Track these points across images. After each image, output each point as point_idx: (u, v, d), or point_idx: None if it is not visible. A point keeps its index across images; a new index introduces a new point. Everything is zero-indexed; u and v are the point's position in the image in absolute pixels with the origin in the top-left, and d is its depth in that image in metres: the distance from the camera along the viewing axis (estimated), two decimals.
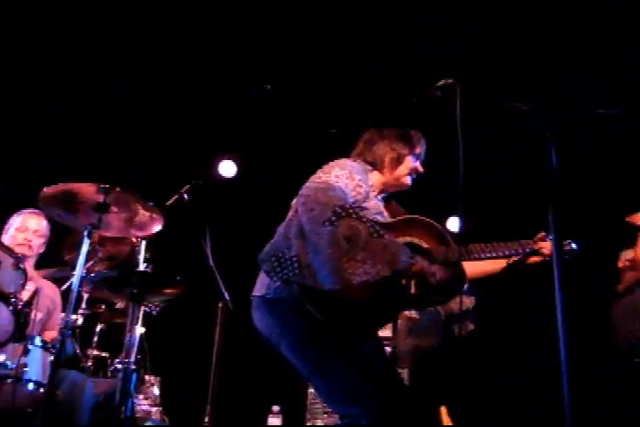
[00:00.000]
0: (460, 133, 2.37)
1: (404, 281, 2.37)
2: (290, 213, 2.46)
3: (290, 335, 2.35)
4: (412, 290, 2.38)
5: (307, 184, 2.44)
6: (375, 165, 2.66)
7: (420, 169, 2.74)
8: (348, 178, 2.46)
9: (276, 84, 5.03)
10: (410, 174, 2.71)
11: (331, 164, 2.54)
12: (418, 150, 2.72)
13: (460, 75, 2.40)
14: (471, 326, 2.72)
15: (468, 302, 2.83)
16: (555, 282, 2.00)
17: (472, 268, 2.72)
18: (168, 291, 3.68)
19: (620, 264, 4.46)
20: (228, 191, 5.63)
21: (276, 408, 4.27)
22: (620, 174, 5.07)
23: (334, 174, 2.44)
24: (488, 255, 2.59)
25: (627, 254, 4.51)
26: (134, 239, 3.84)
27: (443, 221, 5.61)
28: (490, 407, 5.33)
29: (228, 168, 5.62)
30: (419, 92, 2.70)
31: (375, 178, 2.65)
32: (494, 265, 2.82)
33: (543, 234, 2.76)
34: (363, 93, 4.60)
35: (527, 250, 2.69)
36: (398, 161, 2.67)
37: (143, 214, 3.21)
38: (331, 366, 2.31)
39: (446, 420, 4.58)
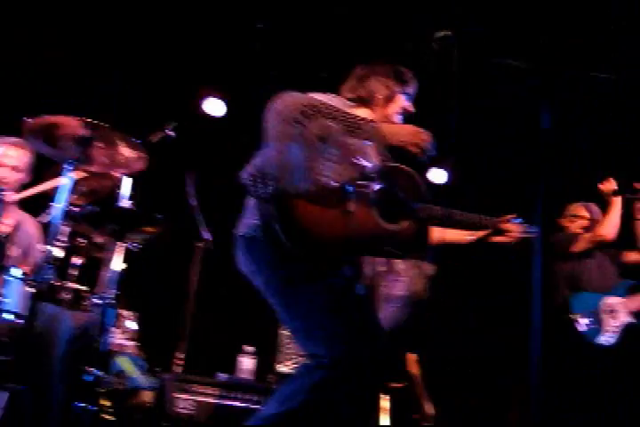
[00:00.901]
0: (455, 85, 2.35)
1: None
2: None
3: (265, 274, 2.37)
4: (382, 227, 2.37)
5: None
6: (367, 102, 2.63)
7: (411, 109, 2.71)
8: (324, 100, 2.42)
9: (269, 22, 4.91)
10: (400, 113, 2.68)
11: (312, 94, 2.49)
12: (410, 89, 2.69)
13: (459, 28, 2.36)
14: (426, 294, 2.75)
15: (429, 269, 2.85)
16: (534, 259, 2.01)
17: (435, 234, 2.70)
18: (148, 229, 3.67)
19: (567, 222, 4.45)
20: (216, 130, 5.56)
21: (248, 348, 4.34)
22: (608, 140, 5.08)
23: (308, 94, 2.42)
24: (459, 219, 2.61)
25: (572, 210, 4.49)
26: (118, 175, 3.81)
27: (425, 171, 5.64)
28: (457, 357, 5.48)
29: (216, 107, 5.54)
30: (415, 41, 2.66)
31: (365, 114, 2.60)
32: (457, 236, 2.79)
33: (512, 216, 2.77)
34: (356, 39, 4.52)
35: (493, 227, 2.71)
36: (390, 99, 2.63)
37: (128, 152, 3.18)
38: (300, 306, 2.32)
39: (415, 368, 4.71)
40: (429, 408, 4.81)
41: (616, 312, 4.07)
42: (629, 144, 5.15)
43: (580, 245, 4.25)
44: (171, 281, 5.02)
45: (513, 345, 4.43)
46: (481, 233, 2.74)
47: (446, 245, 2.77)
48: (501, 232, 2.73)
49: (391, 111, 2.65)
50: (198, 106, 5.44)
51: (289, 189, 2.22)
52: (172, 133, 4.33)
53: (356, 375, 2.24)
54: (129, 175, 3.56)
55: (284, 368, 4.24)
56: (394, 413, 4.35)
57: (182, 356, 4.15)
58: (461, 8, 4.04)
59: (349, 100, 2.64)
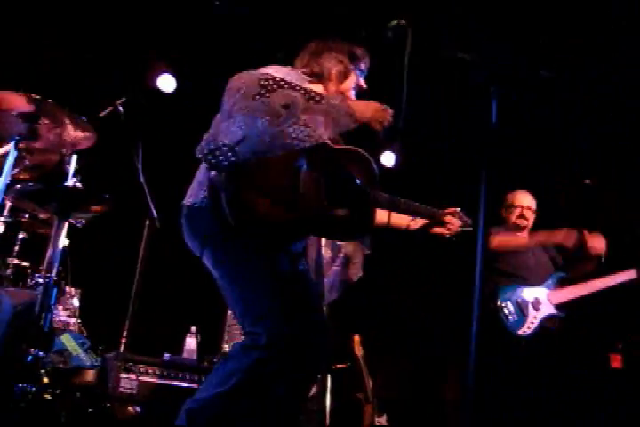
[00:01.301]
0: (405, 74, 2.37)
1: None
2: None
3: (208, 245, 2.36)
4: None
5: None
6: (321, 77, 2.61)
7: (364, 85, 2.71)
8: (281, 76, 2.40)
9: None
10: (354, 89, 2.68)
11: (265, 67, 2.49)
12: (363, 66, 2.69)
13: (413, 18, 2.37)
14: (360, 273, 2.82)
15: (363, 252, 2.90)
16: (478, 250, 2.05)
17: (379, 216, 2.71)
18: (95, 208, 3.62)
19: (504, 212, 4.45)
20: (166, 107, 5.48)
21: (193, 328, 4.34)
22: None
23: (263, 70, 2.42)
24: (403, 209, 2.68)
25: (509, 199, 4.42)
26: (64, 151, 3.73)
27: (378, 154, 5.69)
28: (399, 340, 5.58)
29: (167, 83, 5.45)
30: (368, 29, 2.67)
31: (317, 89, 2.56)
32: (400, 220, 2.83)
33: (454, 209, 2.84)
34: (312, 22, 4.49)
35: (435, 218, 2.79)
36: (345, 75, 2.63)
37: (75, 131, 3.12)
38: (240, 281, 2.32)
39: (358, 349, 4.80)
40: (371, 388, 4.91)
41: (540, 304, 4.17)
42: (573, 138, 5.28)
43: (491, 245, 4.20)
44: (117, 258, 4.96)
45: (453, 327, 4.54)
46: (423, 222, 2.81)
47: (388, 229, 2.79)
48: (442, 224, 2.81)
49: (345, 87, 2.65)
50: (149, 81, 5.34)
51: (255, 158, 2.20)
52: (120, 109, 4.26)
53: (292, 356, 2.23)
54: (76, 151, 3.49)
55: (229, 349, 4.25)
56: (337, 392, 4.43)
57: (126, 335, 4.12)
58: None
59: (304, 74, 2.62)
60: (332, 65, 2.61)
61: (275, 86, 2.27)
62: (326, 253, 2.76)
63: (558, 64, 4.11)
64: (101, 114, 4.28)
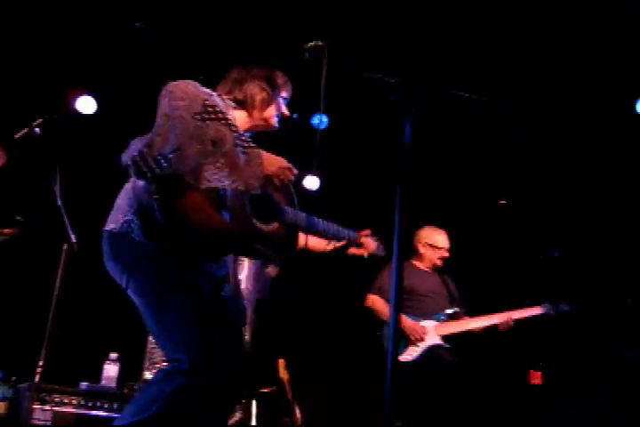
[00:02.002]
0: (322, 95, 2.39)
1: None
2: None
3: (131, 272, 2.32)
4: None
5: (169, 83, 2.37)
6: (244, 104, 2.63)
7: (286, 112, 2.75)
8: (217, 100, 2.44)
9: (148, 22, 4.81)
10: (277, 116, 2.71)
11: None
12: (285, 93, 2.73)
13: (330, 39, 2.41)
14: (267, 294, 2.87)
15: (274, 271, 2.95)
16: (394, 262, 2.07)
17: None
18: (6, 230, 3.50)
19: (424, 248, 4.65)
20: (85, 128, 5.37)
21: (113, 355, 4.21)
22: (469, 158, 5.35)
23: (204, 90, 2.41)
24: (319, 230, 2.73)
25: (430, 237, 4.64)
26: None
27: (301, 177, 5.73)
28: (323, 362, 5.56)
29: (87, 104, 5.34)
30: (288, 50, 2.69)
31: (240, 116, 2.62)
32: (318, 244, 2.87)
33: (368, 231, 2.94)
34: (232, 45, 4.52)
35: (351, 240, 2.87)
36: (268, 102, 2.66)
37: None
38: (162, 306, 2.29)
39: (283, 372, 4.75)
40: (297, 412, 4.86)
41: (426, 334, 4.35)
42: (489, 161, 5.45)
43: (369, 302, 4.50)
44: (33, 284, 4.79)
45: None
46: (339, 244, 2.87)
47: (306, 252, 2.82)
48: (358, 245, 2.90)
49: (268, 115, 2.68)
50: (68, 103, 5.23)
51: (180, 174, 2.18)
52: (37, 130, 4.15)
53: (214, 383, 2.22)
54: None
55: (150, 375, 4.14)
56: (263, 417, 4.37)
57: (42, 364, 3.96)
58: (335, 21, 4.15)
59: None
60: (255, 92, 2.64)
61: (214, 116, 2.27)
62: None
63: (477, 85, 4.25)
64: (17, 135, 4.16)
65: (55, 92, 5.15)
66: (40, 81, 5.07)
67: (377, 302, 4.46)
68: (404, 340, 4.32)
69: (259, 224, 2.44)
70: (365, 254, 2.91)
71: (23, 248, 4.19)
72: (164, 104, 2.27)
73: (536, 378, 5.00)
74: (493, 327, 4.37)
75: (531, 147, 5.31)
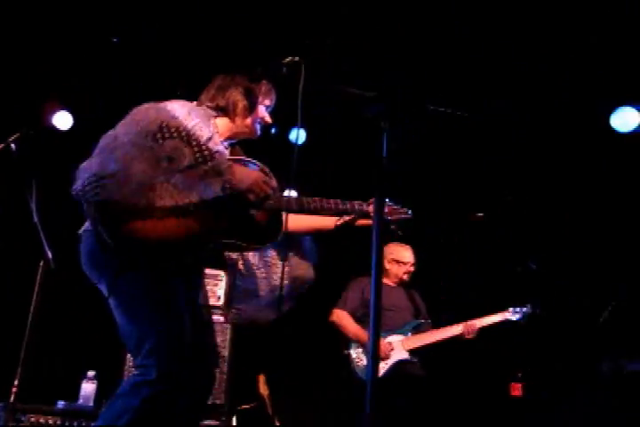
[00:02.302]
0: (299, 110, 2.41)
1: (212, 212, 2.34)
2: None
3: (99, 271, 2.33)
4: (223, 223, 2.38)
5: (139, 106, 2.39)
6: (226, 111, 2.63)
7: (269, 120, 2.74)
8: (186, 115, 2.41)
9: (124, 36, 4.80)
10: (259, 123, 2.71)
11: (170, 101, 2.48)
12: (268, 101, 2.73)
13: (307, 55, 2.43)
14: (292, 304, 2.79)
15: (307, 266, 2.86)
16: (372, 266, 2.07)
17: (298, 221, 2.69)
18: None
19: (389, 263, 4.63)
20: (61, 144, 5.33)
21: (91, 373, 4.16)
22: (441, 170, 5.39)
23: (170, 106, 2.41)
24: (319, 207, 2.64)
25: (395, 253, 4.64)
26: None
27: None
28: (302, 377, 5.53)
29: (63, 120, 5.32)
30: (265, 66, 2.70)
31: (222, 124, 2.63)
32: (323, 222, 2.78)
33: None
34: (210, 59, 4.53)
35: (358, 210, 2.74)
36: (250, 109, 2.66)
37: None
38: (133, 311, 2.30)
39: (263, 388, 4.72)
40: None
41: (393, 349, 4.35)
42: (467, 173, 5.49)
43: (334, 317, 4.51)
44: (8, 301, 4.73)
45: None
46: (347, 218, 2.75)
47: (317, 233, 2.78)
48: (367, 215, 2.74)
49: (250, 121, 2.68)
50: (44, 118, 5.20)
51: (119, 199, 2.17)
52: (13, 146, 4.11)
53: (183, 392, 2.22)
54: None
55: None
56: None
57: (17, 383, 3.89)
58: (313, 35, 4.18)
59: (209, 108, 2.63)
60: (237, 99, 2.64)
61: (171, 135, 2.27)
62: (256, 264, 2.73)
63: (451, 98, 4.28)
64: None
65: (32, 108, 5.12)
66: (17, 96, 5.04)
67: (343, 318, 4.47)
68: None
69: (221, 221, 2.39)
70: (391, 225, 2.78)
71: (1, 264, 4.13)
72: (118, 126, 2.32)
73: (516, 390, 5.01)
74: (459, 337, 4.36)
75: (509, 159, 5.36)
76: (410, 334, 4.40)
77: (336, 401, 5.14)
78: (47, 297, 4.24)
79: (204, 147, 2.33)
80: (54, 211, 4.41)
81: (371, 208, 2.73)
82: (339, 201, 2.72)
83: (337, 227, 2.77)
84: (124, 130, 2.27)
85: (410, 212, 2.87)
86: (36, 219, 4.22)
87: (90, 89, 5.16)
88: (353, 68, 4.14)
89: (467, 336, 4.34)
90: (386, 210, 2.77)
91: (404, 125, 2.28)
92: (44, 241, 4.18)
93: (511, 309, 4.38)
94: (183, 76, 4.70)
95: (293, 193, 5.37)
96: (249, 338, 2.81)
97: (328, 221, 2.77)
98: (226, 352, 4.10)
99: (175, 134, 2.28)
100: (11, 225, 4.19)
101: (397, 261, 4.64)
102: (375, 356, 2.08)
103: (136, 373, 2.27)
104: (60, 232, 4.08)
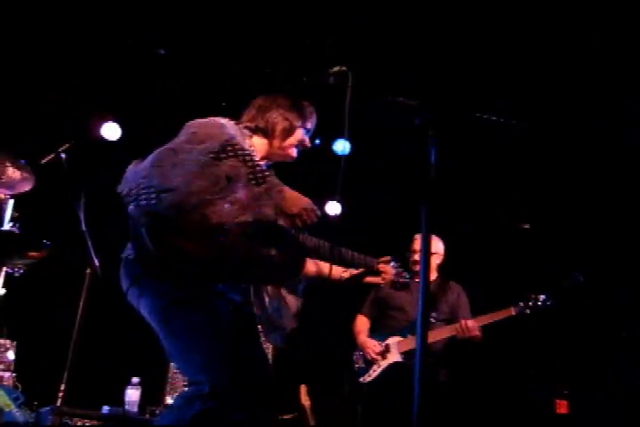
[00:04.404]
0: (346, 120, 2.41)
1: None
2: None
3: (146, 296, 2.32)
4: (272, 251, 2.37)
5: (197, 120, 2.40)
6: (265, 133, 2.63)
7: (308, 143, 2.72)
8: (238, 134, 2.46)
9: (171, 49, 4.89)
10: (297, 146, 2.70)
11: (211, 118, 2.49)
12: (309, 124, 2.71)
13: (354, 64, 2.44)
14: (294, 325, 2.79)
15: (296, 302, 2.86)
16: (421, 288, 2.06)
17: (311, 266, 2.68)
18: (33, 254, 3.53)
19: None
20: (110, 155, 5.44)
21: (135, 380, 4.20)
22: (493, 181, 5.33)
23: (224, 123, 2.44)
24: (328, 255, 2.66)
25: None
26: (2, 196, 3.65)
27: (322, 204, 5.74)
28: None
29: (112, 130, 5.42)
30: (312, 76, 2.72)
31: (260, 143, 2.62)
32: (335, 272, 2.76)
33: (388, 258, 2.82)
34: (256, 71, 4.58)
35: (368, 267, 2.76)
36: (289, 132, 2.64)
37: (12, 172, 3.06)
38: (177, 328, 2.28)
39: (305, 399, 4.71)
40: None
41: (389, 352, 4.24)
42: (511, 183, 5.43)
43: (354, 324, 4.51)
44: (56, 308, 4.81)
45: None
46: (356, 272, 2.77)
47: (323, 281, 2.74)
48: (377, 273, 2.77)
49: (288, 144, 2.66)
50: (93, 129, 5.31)
51: (174, 214, 2.19)
52: (63, 156, 4.21)
53: (236, 405, 2.19)
54: (13, 196, 3.41)
55: (171, 400, 4.12)
56: None
57: (64, 388, 3.96)
58: (359, 45, 4.20)
59: (247, 128, 2.64)
60: (277, 121, 2.63)
61: (232, 154, 2.29)
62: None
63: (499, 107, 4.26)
64: (43, 161, 4.23)
65: (81, 119, 5.23)
66: (67, 107, 5.16)
67: (357, 325, 4.46)
68: (367, 359, 4.25)
69: (261, 248, 2.38)
70: (383, 282, 2.80)
71: (49, 272, 4.21)
72: (179, 141, 2.31)
73: (562, 407, 4.90)
74: (465, 338, 4.13)
75: (553, 168, 5.28)
76: (409, 335, 4.23)
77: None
78: (94, 304, 4.32)
79: (258, 168, 2.34)
80: (102, 220, 4.49)
81: (380, 266, 2.77)
82: (349, 252, 2.74)
83: (343, 279, 2.74)
84: (185, 146, 2.28)
85: (407, 276, 2.86)
86: (84, 227, 4.31)
87: (138, 100, 5.26)
88: (399, 77, 4.14)
89: (462, 335, 4.09)
90: (393, 271, 2.81)
91: (451, 134, 2.26)
92: (91, 249, 4.27)
93: (521, 303, 4.11)
94: (230, 87, 4.75)
95: (337, 205, 5.42)
96: (291, 348, 2.80)
97: (335, 271, 2.74)
98: (269, 361, 4.12)
99: (232, 153, 2.30)
100: (60, 233, 4.27)
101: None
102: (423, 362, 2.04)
103: (189, 388, 2.27)
104: (107, 241, 4.16)
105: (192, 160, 2.23)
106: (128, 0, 4.54)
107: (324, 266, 2.71)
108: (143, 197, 2.19)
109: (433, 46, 4.35)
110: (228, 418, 2.19)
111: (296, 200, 2.42)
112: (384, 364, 4.23)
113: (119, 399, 4.13)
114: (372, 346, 4.25)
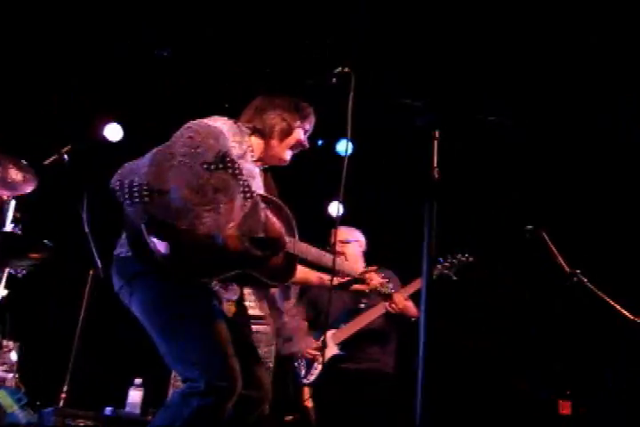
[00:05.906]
0: (349, 121, 2.41)
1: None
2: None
3: (137, 294, 2.33)
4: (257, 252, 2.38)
5: (197, 122, 2.39)
6: (263, 133, 2.62)
7: (306, 144, 2.72)
8: (232, 138, 2.45)
9: (174, 49, 4.89)
10: (294, 148, 2.69)
11: (212, 117, 2.49)
12: (307, 125, 2.71)
13: (357, 65, 2.43)
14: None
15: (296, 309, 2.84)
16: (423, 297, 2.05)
17: (300, 274, 2.69)
18: (35, 255, 3.53)
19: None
20: (112, 155, 5.44)
21: (137, 381, 4.20)
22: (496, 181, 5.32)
23: (220, 126, 2.42)
24: (315, 260, 2.66)
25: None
26: (4, 197, 3.65)
27: (324, 205, 5.74)
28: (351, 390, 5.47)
29: (114, 132, 5.43)
30: (314, 76, 2.71)
31: (257, 143, 2.62)
32: (321, 279, 2.80)
33: (375, 267, 2.89)
34: (257, 71, 4.58)
35: (355, 276, 2.82)
36: (287, 132, 2.63)
37: (15, 173, 3.06)
38: (171, 327, 2.29)
39: (308, 400, 4.70)
40: None
41: (327, 347, 4.03)
42: (515, 184, 5.42)
43: None
44: (59, 309, 4.82)
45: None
46: (343, 280, 2.81)
47: (308, 285, 2.81)
48: (362, 281, 2.84)
49: (286, 144, 2.65)
50: (95, 130, 5.32)
51: (163, 218, 2.20)
52: (66, 157, 4.21)
53: (232, 401, 2.21)
54: (15, 197, 3.42)
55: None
56: None
57: (67, 389, 3.97)
58: (362, 46, 4.20)
59: (246, 128, 2.62)
60: (275, 122, 2.62)
61: (223, 165, 2.27)
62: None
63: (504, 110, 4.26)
64: (46, 162, 4.23)
65: (83, 120, 5.24)
66: (69, 109, 5.16)
67: None
68: (307, 360, 4.13)
69: (254, 249, 2.38)
70: (368, 290, 2.87)
71: (51, 273, 4.21)
72: (176, 143, 2.30)
73: (565, 408, 4.89)
74: (387, 316, 4.00)
75: (559, 171, 5.27)
76: (342, 325, 4.09)
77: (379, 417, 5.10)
78: (96, 305, 4.32)
79: (246, 183, 2.33)
80: (104, 221, 4.49)
81: (366, 275, 2.83)
82: (339, 260, 2.76)
83: (329, 286, 2.70)
84: (181, 150, 2.26)
85: (391, 286, 3.00)
86: (86, 229, 4.31)
87: (140, 101, 5.26)
88: (401, 78, 4.13)
89: (394, 311, 3.89)
90: (378, 280, 2.90)
91: (454, 134, 2.26)
92: (94, 250, 4.27)
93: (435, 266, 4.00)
94: (232, 87, 4.75)
95: (340, 206, 5.40)
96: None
97: (324, 278, 2.77)
98: (271, 363, 4.11)
99: (225, 166, 2.28)
100: (62, 234, 4.28)
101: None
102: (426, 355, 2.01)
103: (185, 385, 2.26)
104: (110, 242, 4.17)
105: (184, 166, 2.22)
106: (129, 1, 4.55)
107: (311, 273, 2.75)
108: (136, 194, 2.19)
109: (436, 47, 4.35)
110: (223, 415, 2.21)
111: (275, 225, 2.42)
112: (323, 360, 4.04)
113: (121, 400, 4.13)
114: (311, 346, 3.99)
